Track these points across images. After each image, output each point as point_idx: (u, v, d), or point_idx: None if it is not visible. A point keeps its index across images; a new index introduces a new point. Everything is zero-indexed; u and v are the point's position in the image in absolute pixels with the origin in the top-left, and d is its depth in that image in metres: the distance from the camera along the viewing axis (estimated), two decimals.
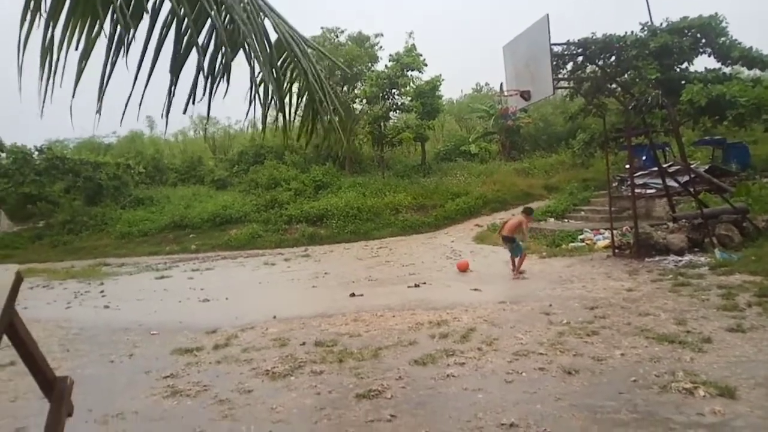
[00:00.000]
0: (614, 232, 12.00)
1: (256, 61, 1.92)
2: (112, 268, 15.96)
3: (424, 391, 4.59)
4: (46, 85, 1.72)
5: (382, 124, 24.38)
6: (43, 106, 1.66)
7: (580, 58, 15.33)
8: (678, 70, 16.58)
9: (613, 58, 15.81)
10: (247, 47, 1.89)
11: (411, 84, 24.17)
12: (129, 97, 1.90)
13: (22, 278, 1.95)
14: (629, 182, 13.10)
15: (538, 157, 25.34)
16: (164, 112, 1.86)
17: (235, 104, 2.51)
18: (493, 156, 26.94)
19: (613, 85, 14.60)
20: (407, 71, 23.79)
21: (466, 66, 53.78)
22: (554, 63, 12.08)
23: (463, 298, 8.41)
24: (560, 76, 14.49)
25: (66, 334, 7.52)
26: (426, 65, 23.78)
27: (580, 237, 13.95)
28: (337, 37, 25.72)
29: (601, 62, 15.45)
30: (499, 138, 27.43)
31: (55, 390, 2.11)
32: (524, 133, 27.71)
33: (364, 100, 24.43)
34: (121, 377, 5.52)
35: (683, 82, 15.95)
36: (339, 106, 2.48)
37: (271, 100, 2.28)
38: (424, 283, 10.03)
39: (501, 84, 13.69)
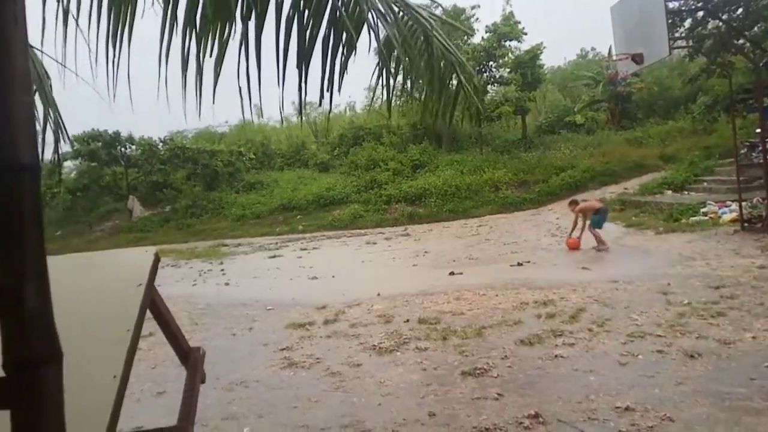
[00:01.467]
0: (743, 204, 10.86)
1: (382, 26, 1.96)
2: (229, 248, 17.23)
3: (532, 371, 4.52)
4: (197, 92, 1.90)
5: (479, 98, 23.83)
6: (185, 112, 1.84)
7: (701, 14, 13.85)
8: None
9: (740, 10, 14.10)
10: (372, 18, 1.93)
11: (509, 55, 23.30)
12: (248, 87, 2.02)
13: (160, 258, 2.19)
14: (760, 148, 11.73)
15: (652, 124, 23.40)
16: (300, 105, 2.00)
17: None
18: (601, 126, 25.29)
19: (741, 41, 13.06)
20: (505, 41, 22.95)
21: (570, 31, 50.66)
22: (670, 21, 11.03)
23: (570, 276, 8.11)
24: (677, 35, 13.22)
25: (193, 309, 8.29)
26: (525, 34, 22.82)
27: (703, 210, 12.78)
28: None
29: (725, 16, 13.85)
30: (607, 106, 25.65)
31: (190, 359, 2.35)
32: (636, 100, 25.65)
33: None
34: (243, 349, 6.00)
35: None
36: (470, 72, 2.46)
37: (395, 73, 2.31)
38: (528, 261, 9.78)
39: (609, 48, 12.87)
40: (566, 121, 26.06)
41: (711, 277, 7.18)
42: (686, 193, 15.70)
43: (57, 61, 1.82)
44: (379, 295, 7.98)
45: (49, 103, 2.27)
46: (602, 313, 5.98)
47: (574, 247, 10.71)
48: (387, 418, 3.82)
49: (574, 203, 11.18)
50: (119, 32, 1.89)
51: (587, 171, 19.87)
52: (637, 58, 10.31)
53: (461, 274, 9.19)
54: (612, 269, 8.42)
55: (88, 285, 1.62)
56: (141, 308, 1.53)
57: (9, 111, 0.70)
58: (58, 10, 1.85)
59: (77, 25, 1.81)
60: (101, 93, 1.80)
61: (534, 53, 22.85)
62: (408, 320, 6.44)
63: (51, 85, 2.33)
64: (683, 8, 12.88)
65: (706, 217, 12.22)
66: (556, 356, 4.79)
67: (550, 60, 39.71)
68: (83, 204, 25.58)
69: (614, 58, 11.73)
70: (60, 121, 2.44)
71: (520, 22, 22.78)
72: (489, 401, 3.98)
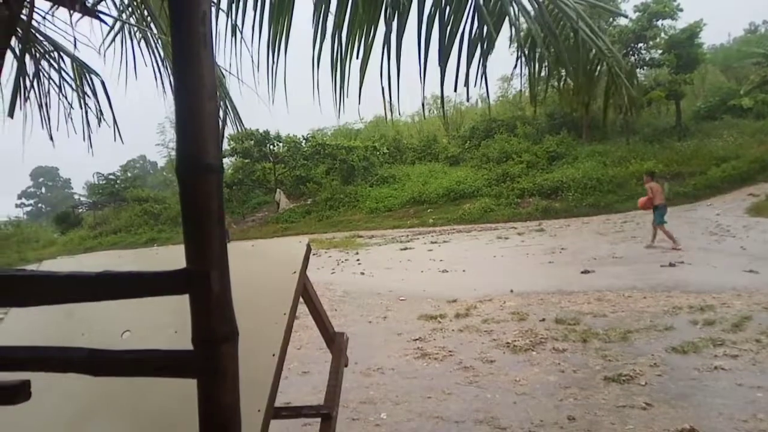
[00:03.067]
0: None
1: (525, 17, 1.93)
2: (364, 239, 17.95)
3: (686, 382, 4.10)
4: (339, 92, 2.03)
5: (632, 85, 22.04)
6: (338, 114, 1.97)
7: None
8: None
9: None
10: (513, 9, 1.90)
11: (662, 35, 21.20)
12: (389, 86, 2.09)
13: (311, 248, 2.35)
14: None
15: None
16: (441, 100, 2.04)
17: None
18: None
19: None
20: (656, 21, 20.92)
21: (737, 3, 44.66)
22: None
23: (733, 280, 7.20)
24: None
25: (333, 296, 8.78)
26: (680, 10, 20.59)
27: None
28: None
29: None
30: None
31: (335, 343, 2.49)
32: None
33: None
34: (378, 337, 6.22)
35: None
36: (620, 60, 2.32)
37: (541, 62, 2.25)
38: (681, 261, 8.86)
39: None
40: (730, 105, 23.05)
41: None
42: None
43: (227, 70, 2.05)
44: (512, 291, 7.79)
45: (228, 108, 2.57)
46: None
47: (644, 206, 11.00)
48: (523, 418, 3.72)
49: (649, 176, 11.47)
50: (278, 40, 2.07)
51: (756, 161, 17.45)
52: None
53: (593, 272, 8.75)
54: None
55: (250, 271, 1.79)
56: (295, 294, 1.66)
57: (199, 117, 0.80)
58: (227, 24, 2.08)
59: (242, 35, 2.02)
60: (262, 98, 2.00)
61: (692, 31, 20.56)
62: (544, 319, 6.20)
63: (227, 93, 2.63)
64: None
65: None
66: (715, 367, 4.29)
67: (710, 38, 35.59)
68: (238, 196, 28.38)
69: None
70: (239, 121, 2.74)
71: None
72: (636, 410, 3.69)
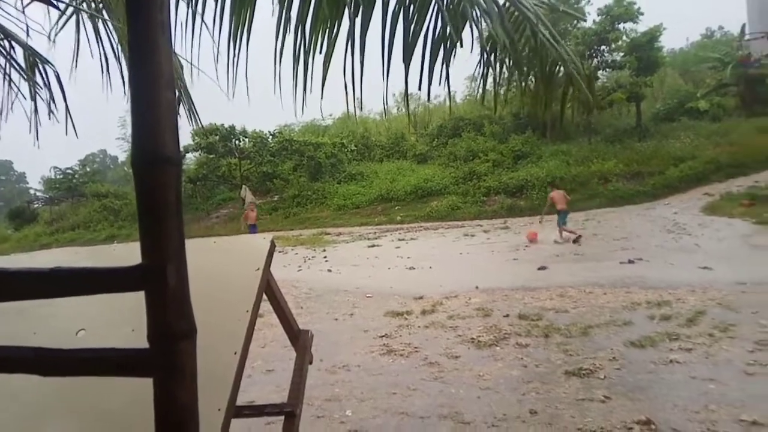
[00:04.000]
0: None
1: (486, 20, 1.94)
2: (331, 236, 17.88)
3: (643, 375, 4.24)
4: (303, 86, 2.00)
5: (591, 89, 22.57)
6: (296, 109, 1.95)
7: None
8: None
9: None
10: (475, 12, 1.92)
11: (623, 38, 21.78)
12: (353, 82, 2.08)
13: (276, 245, 2.32)
14: None
15: None
16: (405, 98, 2.03)
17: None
18: (729, 113, 22.91)
19: None
20: (618, 24, 21.48)
21: (695, 10, 46.31)
22: None
23: (688, 276, 7.47)
24: None
25: (299, 294, 8.72)
26: (641, 14, 21.20)
27: None
28: None
29: None
30: (737, 91, 23.15)
31: (299, 340, 2.47)
32: None
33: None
34: (344, 334, 6.21)
35: None
36: (578, 65, 2.36)
37: (502, 64, 2.28)
38: (640, 259, 9.15)
39: (742, 26, 11.51)
40: (687, 107, 23.89)
41: None
42: None
43: (186, 60, 2.00)
44: (477, 288, 7.89)
45: (183, 98, 2.50)
46: (726, 317, 5.45)
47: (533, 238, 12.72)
48: (486, 412, 3.77)
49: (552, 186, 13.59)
50: (239, 32, 2.03)
51: (711, 162, 18.15)
52: None
53: (546, 268, 9.09)
54: (738, 270, 7.63)
55: (212, 267, 1.76)
56: (259, 291, 1.64)
57: (156, 107, 0.77)
58: (187, 13, 2.02)
59: (203, 24, 1.98)
60: (222, 89, 1.96)
61: (652, 35, 21.19)
62: (508, 315, 6.31)
63: (184, 83, 2.56)
64: None
65: None
66: (671, 361, 4.45)
67: (669, 42, 36.72)
68: (202, 192, 27.84)
69: (747, 37, 10.53)
70: (195, 113, 2.67)
71: (635, 3, 21.20)
72: (595, 403, 3.79)
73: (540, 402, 3.90)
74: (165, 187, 0.77)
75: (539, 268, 9.11)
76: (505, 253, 11.43)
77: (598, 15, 21.92)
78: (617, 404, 3.75)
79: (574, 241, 11.79)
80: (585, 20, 20.35)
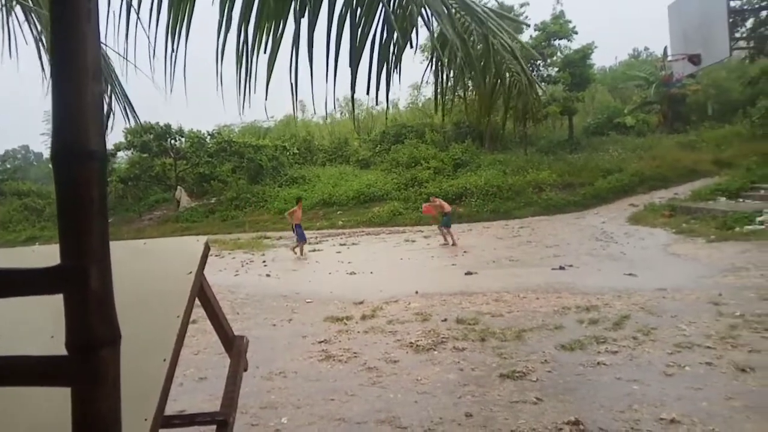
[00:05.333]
0: None
1: (437, 20, 1.95)
2: (271, 240, 17.57)
3: (572, 377, 4.42)
4: (244, 86, 1.94)
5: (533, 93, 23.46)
6: (242, 107, 1.89)
7: (764, 13, 13.20)
8: None
9: None
10: (425, 15, 1.93)
11: (558, 54, 22.81)
12: (295, 85, 2.05)
13: (210, 248, 2.24)
14: None
15: (707, 128, 22.49)
16: (352, 103, 2.02)
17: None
18: (653, 128, 24.49)
19: None
20: (554, 40, 22.48)
21: (623, 30, 49.18)
22: (731, 20, 10.55)
23: (615, 282, 7.88)
24: (737, 35, 12.64)
25: (235, 299, 8.49)
26: (575, 33, 22.28)
27: (759, 219, 12.17)
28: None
29: None
30: (660, 108, 24.80)
31: (234, 347, 2.40)
32: (691, 102, 24.71)
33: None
34: (282, 340, 6.10)
35: None
36: (527, 72, 2.42)
37: (450, 68, 2.30)
38: (571, 265, 9.56)
39: (665, 48, 12.38)
40: (615, 122, 25.33)
41: (766, 288, 6.83)
42: (741, 200, 15.00)
43: (119, 54, 1.90)
44: (417, 293, 7.97)
45: (117, 93, 2.37)
46: (648, 321, 5.78)
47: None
48: (423, 416, 3.81)
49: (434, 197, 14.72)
50: (177, 28, 1.95)
51: (636, 174, 19.28)
52: (694, 59, 9.94)
53: (476, 273, 9.33)
54: (659, 277, 8.13)
55: (141, 270, 1.68)
56: (191, 295, 1.57)
57: (80, 99, 0.73)
58: (121, 5, 1.92)
59: (138, 19, 1.88)
60: (159, 86, 1.87)
61: (584, 53, 22.31)
62: (446, 319, 6.41)
63: (116, 77, 2.43)
64: (746, 7, 12.30)
65: (763, 226, 11.62)
66: (598, 363, 4.66)
67: (600, 60, 38.74)
68: (134, 193, 26.62)
69: (670, 58, 11.31)
70: (129, 108, 2.54)
71: (570, 21, 22.27)
72: (528, 405, 3.91)
73: (475, 405, 3.97)
74: (87, 183, 0.72)
75: (466, 273, 9.39)
76: (444, 259, 11.63)
77: (535, 30, 22.86)
78: (548, 406, 3.89)
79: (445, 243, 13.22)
80: (528, 26, 21.12)
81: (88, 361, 0.76)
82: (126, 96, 2.57)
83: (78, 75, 0.73)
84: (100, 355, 0.76)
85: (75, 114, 0.73)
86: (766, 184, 15.52)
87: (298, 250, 13.41)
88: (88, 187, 0.73)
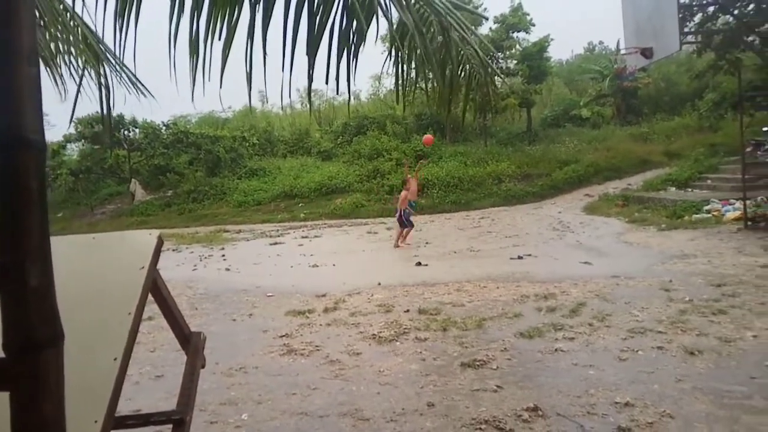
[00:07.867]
0: (747, 202, 10.83)
1: (397, 9, 1.93)
2: (231, 234, 17.23)
3: (531, 364, 4.53)
4: (194, 75, 1.87)
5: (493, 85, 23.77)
6: (193, 95, 1.82)
7: (711, 9, 13.75)
8: None
9: (752, 6, 13.98)
10: (384, 3, 1.90)
11: (516, 46, 23.16)
12: (250, 74, 2.00)
13: (163, 241, 2.17)
14: (767, 147, 11.69)
15: (658, 120, 23.35)
16: (308, 93, 1.96)
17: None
18: (607, 121, 25.23)
19: (751, 37, 12.96)
20: (512, 33, 22.80)
21: (578, 24, 50.39)
22: (680, 15, 10.93)
23: (571, 271, 8.10)
24: (686, 29, 13.13)
25: (194, 294, 8.30)
26: (533, 25, 22.66)
27: (706, 208, 12.76)
28: None
29: (736, 12, 13.73)
30: (614, 101, 25.56)
31: (191, 344, 2.34)
32: (643, 95, 25.57)
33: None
34: (242, 335, 6.01)
35: None
36: (489, 64, 2.42)
37: (410, 59, 2.28)
38: (529, 255, 9.77)
39: (618, 41, 12.76)
40: (572, 114, 25.98)
41: (713, 274, 7.16)
42: (690, 190, 15.67)
43: (59, 39, 1.80)
44: (379, 284, 7.99)
45: (64, 81, 2.25)
46: (603, 308, 5.97)
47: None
48: (386, 407, 3.83)
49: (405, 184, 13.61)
50: (126, 12, 1.86)
51: (591, 165, 19.84)
52: (646, 53, 10.24)
53: (427, 265, 9.43)
54: (613, 265, 8.41)
55: (90, 266, 1.61)
56: (143, 291, 1.52)
57: (14, 83, 0.68)
58: None
59: (83, 3, 1.79)
60: (109, 74, 1.78)
61: (541, 45, 22.72)
62: (408, 310, 6.45)
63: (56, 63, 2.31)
64: (694, 3, 12.77)
65: (710, 215, 12.19)
66: (555, 350, 4.79)
67: (557, 53, 39.57)
68: (85, 186, 25.59)
69: (623, 51, 11.64)
70: (138, 84, 2.40)
71: (528, 14, 22.62)
72: (488, 393, 3.99)
73: (437, 394, 4.02)
74: (25, 173, 0.68)
75: (416, 264, 9.55)
76: (407, 250, 11.68)
77: (494, 23, 23.12)
78: (508, 393, 3.97)
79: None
80: (487, 19, 21.36)
81: (28, 363, 0.72)
82: (126, 73, 2.41)
83: (11, 57, 0.68)
84: (41, 356, 0.72)
85: (8, 99, 0.68)
86: (712, 174, 16.27)
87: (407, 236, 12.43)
88: (24, 177, 0.68)
